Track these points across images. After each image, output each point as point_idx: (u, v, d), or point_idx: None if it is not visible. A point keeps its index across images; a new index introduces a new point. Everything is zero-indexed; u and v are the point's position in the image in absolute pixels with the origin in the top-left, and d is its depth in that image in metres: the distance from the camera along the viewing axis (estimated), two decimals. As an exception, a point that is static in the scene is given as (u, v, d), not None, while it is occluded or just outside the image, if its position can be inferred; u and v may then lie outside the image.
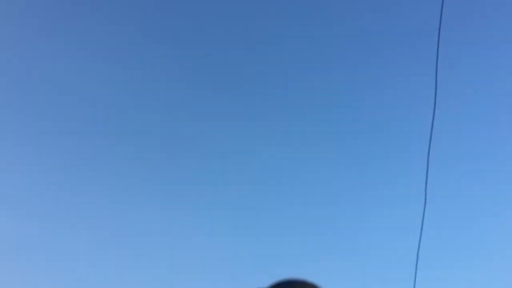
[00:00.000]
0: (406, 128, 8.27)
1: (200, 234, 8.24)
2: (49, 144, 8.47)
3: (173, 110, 8.76)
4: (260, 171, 8.68)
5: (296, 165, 8.61)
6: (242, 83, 8.83)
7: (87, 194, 8.29)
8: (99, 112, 8.54)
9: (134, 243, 8.11)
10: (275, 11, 8.57)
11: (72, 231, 8.02)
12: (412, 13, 8.12)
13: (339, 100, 8.66)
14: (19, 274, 7.65)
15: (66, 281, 7.73)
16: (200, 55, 8.66)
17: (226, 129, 8.76)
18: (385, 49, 8.35)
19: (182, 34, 8.62)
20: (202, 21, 8.54)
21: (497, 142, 7.90)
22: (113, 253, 8.01)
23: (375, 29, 8.38)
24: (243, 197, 8.56)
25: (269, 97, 8.77)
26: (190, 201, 8.51)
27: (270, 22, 8.63)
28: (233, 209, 8.46)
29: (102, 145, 8.56)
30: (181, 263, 8.02)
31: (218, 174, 8.67)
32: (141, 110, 8.69)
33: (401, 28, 8.29)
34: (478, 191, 7.89)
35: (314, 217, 8.21)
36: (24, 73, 8.25)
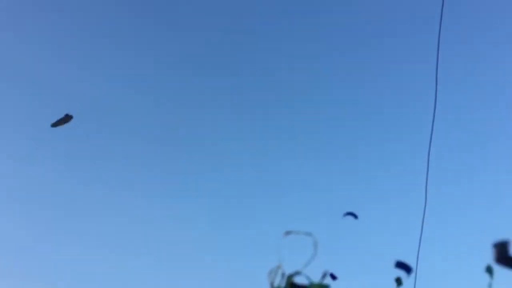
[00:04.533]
0: (406, 127, 8.28)
1: (198, 229, 8.25)
2: (49, 144, 8.48)
3: (173, 110, 8.77)
4: (260, 171, 8.69)
5: (297, 164, 8.61)
6: (242, 83, 8.83)
7: (87, 194, 8.29)
8: (100, 110, 8.54)
9: (135, 243, 8.11)
10: (276, 11, 8.58)
11: (72, 230, 8.02)
12: (412, 13, 8.13)
13: (339, 100, 8.66)
14: (19, 274, 7.65)
15: (67, 280, 7.74)
16: (199, 53, 8.67)
17: (227, 129, 8.76)
18: (385, 48, 8.36)
19: (185, 33, 8.63)
20: (204, 19, 8.55)
21: (497, 142, 7.91)
22: (114, 253, 8.02)
23: (375, 29, 8.38)
24: (243, 197, 8.57)
25: (269, 97, 8.78)
26: (190, 201, 8.51)
27: (272, 22, 8.64)
28: (234, 209, 8.47)
29: (102, 145, 8.57)
30: (181, 260, 8.02)
31: (218, 172, 8.67)
32: (141, 109, 8.70)
33: (401, 28, 8.29)
34: (478, 191, 7.90)
35: (314, 217, 8.22)
36: (24, 72, 8.25)
